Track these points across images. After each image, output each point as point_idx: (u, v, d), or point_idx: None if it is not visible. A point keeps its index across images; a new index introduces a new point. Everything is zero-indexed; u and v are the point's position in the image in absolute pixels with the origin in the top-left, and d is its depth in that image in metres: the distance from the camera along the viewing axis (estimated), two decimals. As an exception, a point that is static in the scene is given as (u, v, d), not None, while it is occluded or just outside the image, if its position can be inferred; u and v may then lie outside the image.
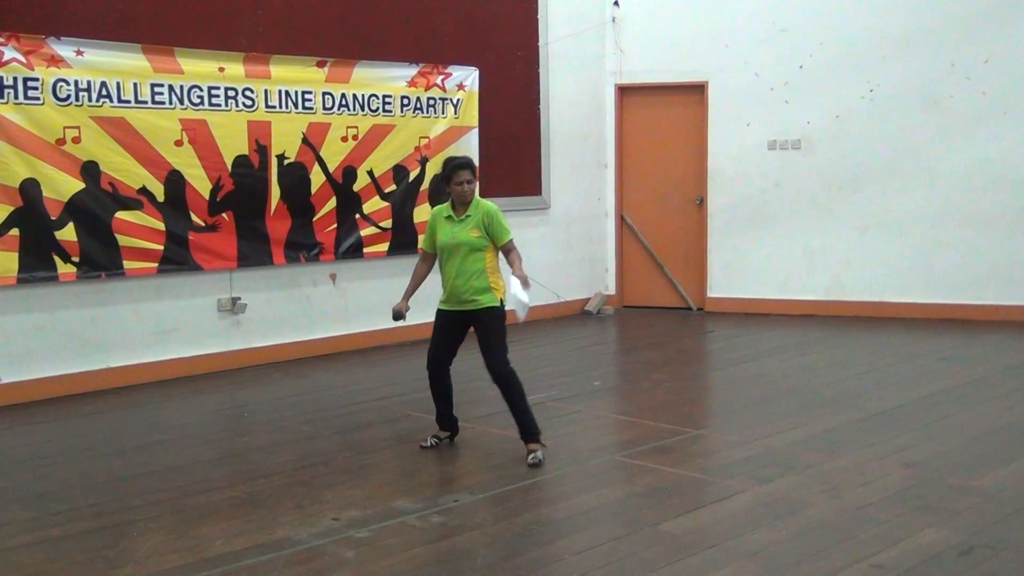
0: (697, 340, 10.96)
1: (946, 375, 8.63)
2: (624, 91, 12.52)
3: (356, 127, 9.84)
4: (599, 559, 4.78)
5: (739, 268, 12.19)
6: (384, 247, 10.22)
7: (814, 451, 6.44)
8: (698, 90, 12.17)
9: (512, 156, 11.46)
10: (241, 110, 9.05)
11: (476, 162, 10.76)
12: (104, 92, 8.26)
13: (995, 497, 5.53)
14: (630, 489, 5.86)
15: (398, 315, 6.58)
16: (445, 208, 6.45)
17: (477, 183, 6.47)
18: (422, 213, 10.42)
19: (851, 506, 5.43)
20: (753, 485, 5.80)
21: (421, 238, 6.65)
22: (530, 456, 6.25)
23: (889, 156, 11.50)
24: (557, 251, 12.04)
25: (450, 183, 6.38)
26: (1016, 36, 10.96)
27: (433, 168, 10.46)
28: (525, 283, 6.13)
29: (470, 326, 6.45)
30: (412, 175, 10.35)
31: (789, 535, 5.05)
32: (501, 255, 6.43)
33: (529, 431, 6.34)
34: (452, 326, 6.46)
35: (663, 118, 12.50)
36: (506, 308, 6.34)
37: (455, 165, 6.36)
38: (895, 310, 11.53)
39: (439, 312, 6.51)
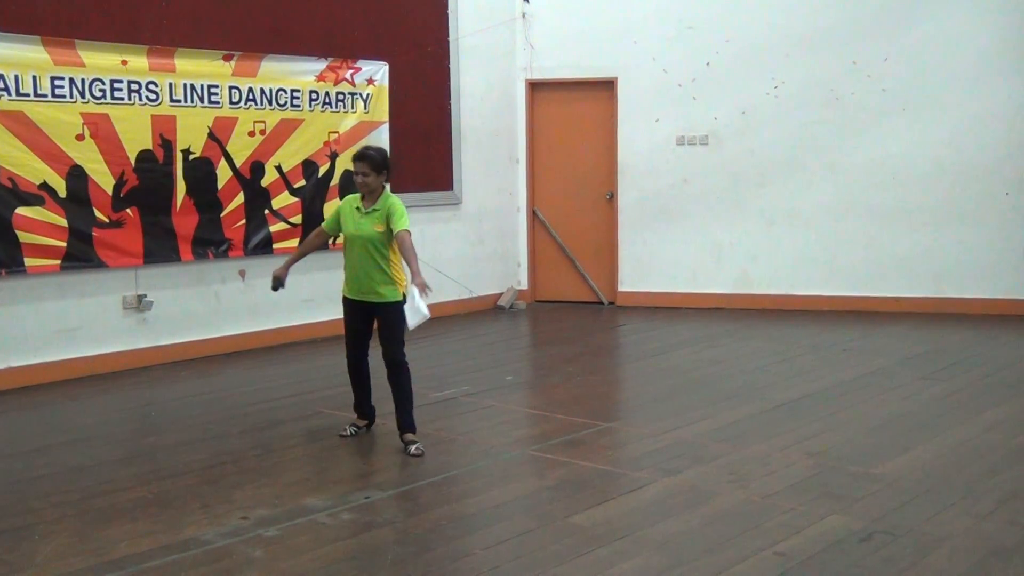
0: (608, 334, 11.06)
1: (849, 366, 8.85)
2: (535, 87, 12.57)
3: (264, 122, 9.72)
4: (509, 553, 4.81)
5: (649, 262, 12.33)
6: (294, 243, 10.08)
7: (721, 442, 6.55)
8: (607, 86, 12.28)
9: (423, 151, 11.43)
10: (145, 104, 8.88)
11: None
12: (1, 85, 8.02)
13: (894, 484, 5.69)
14: (541, 483, 5.90)
15: (277, 282, 6.73)
16: (356, 199, 6.54)
17: (380, 177, 6.43)
18: (333, 208, 10.31)
19: (756, 496, 5.55)
20: (662, 476, 5.88)
21: (326, 221, 6.82)
22: (412, 447, 6.39)
23: (793, 151, 11.73)
24: (469, 246, 12.05)
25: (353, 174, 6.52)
26: (914, 35, 11.27)
27: (343, 163, 10.39)
28: (423, 290, 6.08)
29: (374, 317, 6.55)
30: (322, 170, 10.26)
31: (696, 525, 5.15)
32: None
33: (404, 423, 6.51)
34: (357, 315, 6.58)
35: (573, 114, 12.58)
36: (405, 312, 6.26)
37: (354, 156, 6.51)
38: (800, 302, 11.77)
39: (344, 300, 6.63)
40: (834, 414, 7.23)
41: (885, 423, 7.02)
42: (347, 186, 10.41)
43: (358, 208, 6.47)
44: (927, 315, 11.19)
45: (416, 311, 6.12)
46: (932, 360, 9.01)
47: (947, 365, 8.80)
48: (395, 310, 6.37)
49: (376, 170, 6.38)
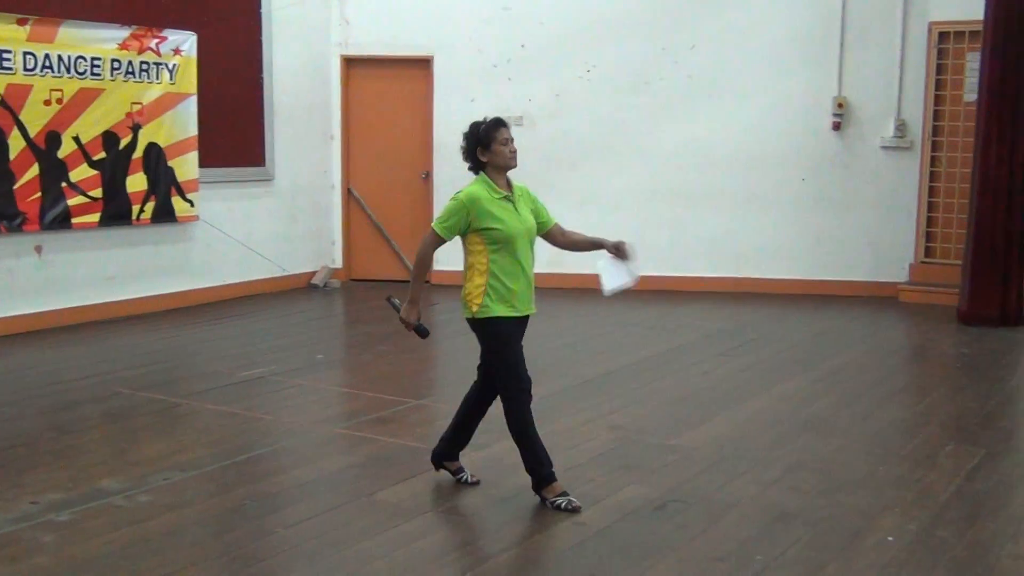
0: (423, 313, 11.04)
1: (653, 343, 9.15)
2: (350, 63, 12.43)
3: (61, 90, 9.27)
4: (312, 531, 4.78)
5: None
6: (95, 217, 9.70)
7: (528, 417, 6.66)
8: (423, 64, 12.25)
9: (234, 125, 11.14)
10: (-71, 68, 8.37)
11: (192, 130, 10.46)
12: None
13: (690, 455, 5.93)
14: (349, 460, 5.88)
15: (423, 330, 5.63)
16: (484, 186, 5.12)
17: None
18: (135, 182, 9.97)
19: (561, 468, 5.63)
20: (468, 451, 5.93)
21: (442, 221, 5.23)
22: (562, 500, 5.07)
23: (604, 134, 11.99)
24: (282, 224, 11.82)
25: (491, 146, 5.10)
26: (720, 24, 11.68)
27: (146, 136, 10.02)
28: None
29: None
30: (124, 142, 9.87)
31: (501, 498, 5.24)
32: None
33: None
34: (521, 334, 5.25)
35: (389, 91, 12.50)
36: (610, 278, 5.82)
37: (495, 122, 5.13)
38: (610, 282, 12.05)
39: (508, 320, 5.17)
40: (636, 389, 7.47)
41: (684, 397, 7.29)
42: (151, 160, 10.08)
43: (506, 197, 5.10)
44: (728, 294, 11.66)
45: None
46: (731, 337, 9.40)
47: (744, 342, 9.20)
48: None
49: None
